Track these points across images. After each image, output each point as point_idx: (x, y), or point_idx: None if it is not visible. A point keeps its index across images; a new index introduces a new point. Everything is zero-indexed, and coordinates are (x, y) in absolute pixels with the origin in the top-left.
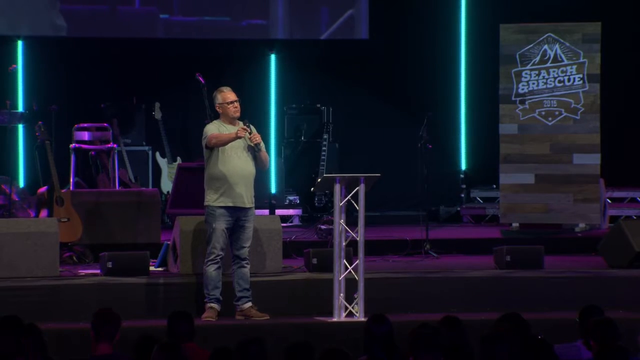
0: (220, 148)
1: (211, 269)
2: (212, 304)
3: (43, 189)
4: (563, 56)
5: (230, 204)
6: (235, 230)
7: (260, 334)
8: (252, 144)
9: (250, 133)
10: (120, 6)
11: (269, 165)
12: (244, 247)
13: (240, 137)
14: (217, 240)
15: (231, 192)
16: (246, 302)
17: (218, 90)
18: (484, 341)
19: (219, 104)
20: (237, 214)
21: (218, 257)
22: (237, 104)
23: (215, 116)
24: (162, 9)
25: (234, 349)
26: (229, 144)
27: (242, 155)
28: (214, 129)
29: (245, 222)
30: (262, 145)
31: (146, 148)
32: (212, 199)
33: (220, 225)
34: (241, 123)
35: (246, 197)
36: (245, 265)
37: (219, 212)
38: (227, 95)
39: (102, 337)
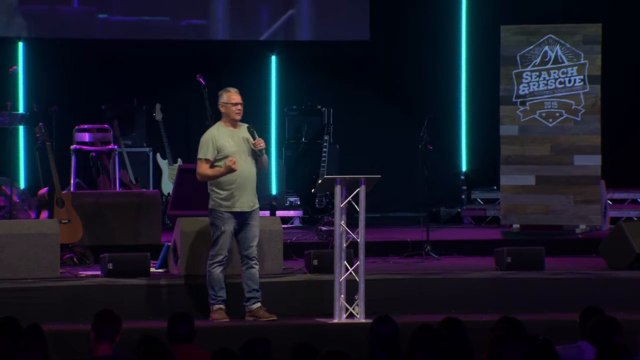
0: (224, 153)
1: (217, 271)
2: (220, 305)
3: (44, 191)
4: (564, 57)
5: (238, 209)
6: (240, 230)
7: (262, 335)
8: (256, 150)
9: (254, 138)
10: (58, 6)
11: (269, 167)
12: (251, 246)
13: (231, 172)
14: (224, 243)
15: (237, 197)
16: (255, 302)
17: (224, 90)
18: (494, 342)
19: (222, 102)
20: (243, 217)
21: (224, 259)
22: (240, 107)
23: (217, 117)
24: (101, 9)
25: (240, 349)
26: (234, 149)
27: (247, 159)
28: (208, 143)
29: (250, 221)
30: (264, 150)
31: (147, 149)
32: (217, 203)
33: (227, 227)
34: (243, 126)
35: (251, 201)
36: (254, 265)
37: (226, 216)
38: (232, 96)
39: (103, 338)
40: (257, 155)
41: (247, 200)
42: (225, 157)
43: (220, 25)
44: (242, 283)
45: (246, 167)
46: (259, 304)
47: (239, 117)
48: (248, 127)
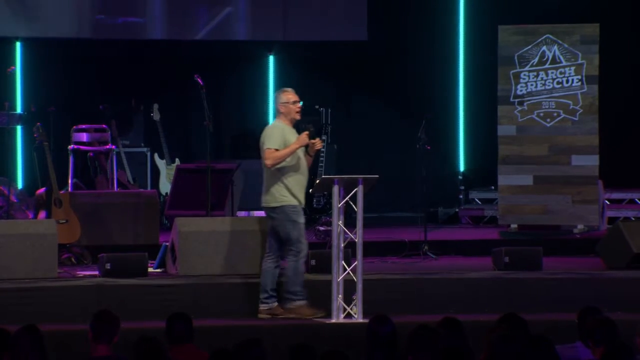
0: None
1: (303, 266)
2: (305, 301)
3: (41, 191)
4: (561, 57)
5: (302, 204)
6: None
7: (259, 335)
8: (312, 150)
9: (313, 138)
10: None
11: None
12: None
13: (302, 146)
14: (302, 235)
15: (300, 191)
16: (275, 301)
17: (281, 91)
18: (494, 342)
19: (282, 103)
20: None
21: (306, 252)
22: (300, 106)
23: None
24: (92, 9)
25: (233, 350)
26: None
27: (302, 156)
28: (277, 134)
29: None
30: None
31: (145, 149)
32: (287, 198)
33: (301, 219)
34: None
35: (304, 197)
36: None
37: (299, 209)
38: (291, 96)
39: (101, 338)
40: (308, 154)
41: (303, 196)
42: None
43: (158, 24)
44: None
45: (304, 164)
46: (276, 303)
47: (299, 116)
48: (308, 127)
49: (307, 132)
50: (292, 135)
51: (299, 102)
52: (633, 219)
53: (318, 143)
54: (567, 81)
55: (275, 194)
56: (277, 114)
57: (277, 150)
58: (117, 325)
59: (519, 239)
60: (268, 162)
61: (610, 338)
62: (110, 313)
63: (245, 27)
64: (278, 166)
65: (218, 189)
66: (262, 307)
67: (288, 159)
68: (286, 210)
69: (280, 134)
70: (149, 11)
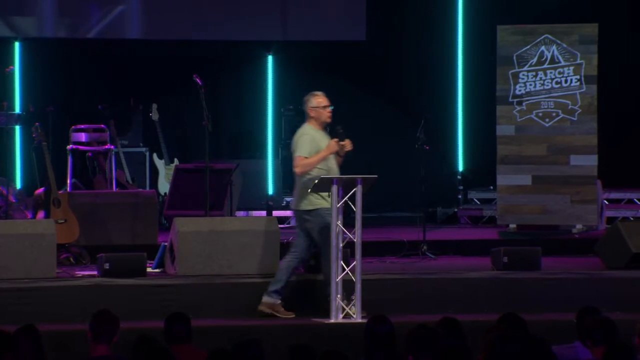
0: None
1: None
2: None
3: (40, 191)
4: (560, 57)
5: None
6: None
7: (258, 336)
8: (343, 152)
9: (342, 140)
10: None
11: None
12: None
13: (331, 153)
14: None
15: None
16: (279, 298)
17: (312, 94)
18: (493, 342)
19: (312, 107)
20: None
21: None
22: (330, 110)
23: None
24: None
25: (232, 350)
26: None
27: (332, 158)
28: (307, 141)
29: None
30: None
31: (143, 149)
32: (322, 202)
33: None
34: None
35: None
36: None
37: (331, 211)
38: (321, 100)
39: (100, 338)
40: (339, 155)
41: None
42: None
43: (49, 22)
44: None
45: (335, 167)
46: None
47: (330, 120)
48: (338, 128)
49: (336, 140)
50: (322, 141)
51: (330, 106)
52: (632, 218)
53: (348, 144)
54: (566, 81)
55: (310, 198)
56: (307, 117)
57: (306, 158)
58: (117, 325)
59: (517, 239)
60: (297, 169)
61: (609, 338)
62: (109, 313)
63: (244, 27)
64: (318, 172)
65: (217, 189)
66: (266, 299)
67: (322, 164)
68: (322, 213)
69: (310, 141)
70: (39, 8)
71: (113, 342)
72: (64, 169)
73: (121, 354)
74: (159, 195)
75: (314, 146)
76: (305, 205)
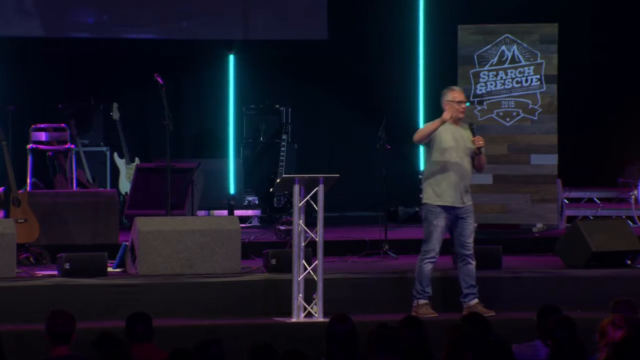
0: (442, 146)
1: (428, 267)
2: (426, 300)
3: None
4: (521, 57)
5: (449, 204)
6: (455, 226)
7: (219, 335)
8: (474, 147)
9: (473, 136)
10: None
11: (486, 166)
12: (468, 242)
13: (445, 121)
14: (437, 239)
15: (449, 192)
16: (473, 298)
17: (449, 89)
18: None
19: (447, 101)
20: (455, 212)
21: (436, 256)
22: (465, 106)
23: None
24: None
25: (193, 349)
26: (451, 144)
27: (463, 157)
28: (431, 123)
29: (465, 216)
30: (483, 149)
31: (104, 149)
32: (432, 197)
33: (439, 222)
34: (464, 126)
35: (464, 197)
36: (471, 261)
37: (438, 210)
38: (457, 95)
39: (58, 338)
40: (475, 154)
41: (458, 196)
42: (441, 149)
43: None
44: (458, 279)
45: (458, 164)
46: (476, 300)
47: (462, 116)
48: (470, 125)
49: (468, 125)
50: (447, 134)
51: (465, 102)
52: (591, 217)
53: (478, 140)
54: (527, 80)
55: (426, 190)
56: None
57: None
58: (73, 324)
59: (478, 238)
60: (415, 137)
61: (569, 336)
62: (64, 312)
63: (205, 26)
64: (431, 164)
65: (178, 189)
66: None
67: (439, 158)
68: (428, 207)
69: (433, 123)
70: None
71: (72, 341)
72: (24, 168)
73: (82, 354)
74: (120, 194)
75: (436, 132)
76: (423, 198)
